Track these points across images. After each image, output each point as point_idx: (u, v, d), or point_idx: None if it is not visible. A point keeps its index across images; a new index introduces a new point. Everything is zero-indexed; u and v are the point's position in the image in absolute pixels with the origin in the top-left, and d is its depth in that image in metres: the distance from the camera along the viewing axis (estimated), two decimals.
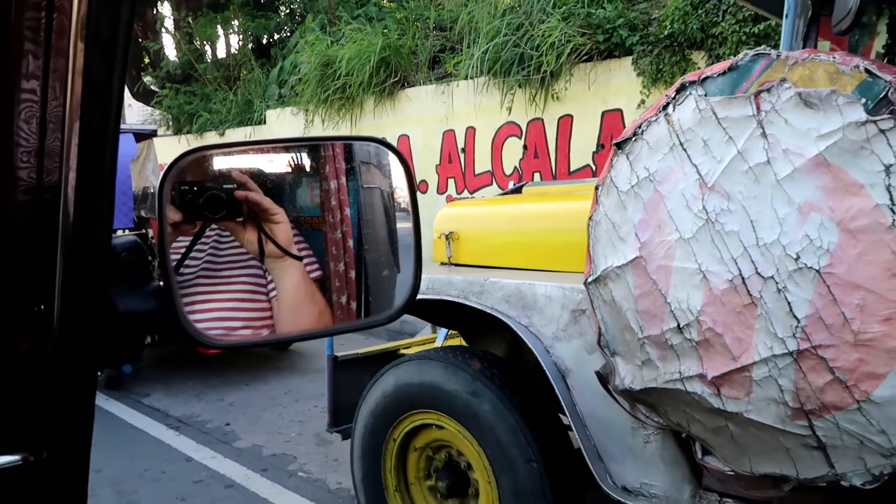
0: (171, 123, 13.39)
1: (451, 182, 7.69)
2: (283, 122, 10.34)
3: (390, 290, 1.04)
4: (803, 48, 1.73)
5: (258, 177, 0.92)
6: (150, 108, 14.75)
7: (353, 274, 1.04)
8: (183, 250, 0.88)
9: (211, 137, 12.09)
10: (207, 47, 13.92)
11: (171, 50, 14.89)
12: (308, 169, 1.06)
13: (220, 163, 0.94)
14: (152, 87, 14.49)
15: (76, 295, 0.61)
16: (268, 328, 1.03)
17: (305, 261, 0.98)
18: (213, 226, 0.92)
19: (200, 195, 0.84)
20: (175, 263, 0.78)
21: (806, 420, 1.47)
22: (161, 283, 0.74)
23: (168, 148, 13.18)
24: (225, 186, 0.87)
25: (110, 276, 0.67)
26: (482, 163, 7.29)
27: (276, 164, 1.03)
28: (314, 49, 9.09)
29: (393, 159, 1.06)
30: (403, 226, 1.05)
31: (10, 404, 0.64)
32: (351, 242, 1.05)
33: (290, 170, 1.04)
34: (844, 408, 1.40)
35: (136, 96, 14.47)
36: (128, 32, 0.56)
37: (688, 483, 1.92)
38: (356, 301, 1.05)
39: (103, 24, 0.54)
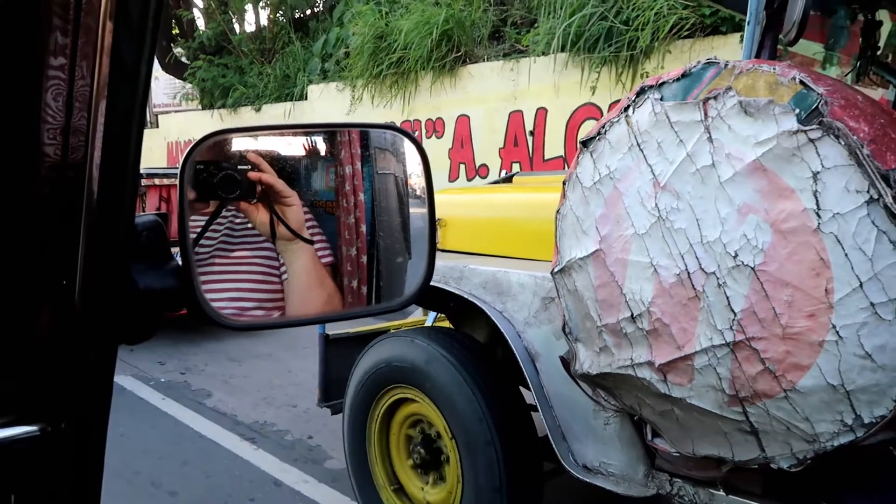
0: (201, 97, 12.89)
1: (515, 167, 7.06)
2: (327, 98, 9.78)
3: (402, 277, 1.06)
4: (757, 57, 1.82)
5: (274, 160, 0.92)
6: (178, 80, 14.17)
7: (365, 259, 1.04)
8: (199, 230, 0.89)
9: (246, 113, 11.55)
10: (236, 21, 13.24)
11: (201, 21, 14.27)
12: (324, 153, 1.06)
13: (238, 145, 0.94)
14: (182, 59, 13.75)
15: (98, 271, 0.62)
16: (279, 310, 1.04)
17: (317, 245, 0.99)
18: (229, 207, 0.93)
19: (215, 175, 0.85)
20: (191, 242, 0.79)
21: (740, 406, 1.58)
22: (180, 261, 0.74)
23: (200, 123, 12.74)
24: (240, 168, 0.87)
25: (132, 253, 0.67)
26: (553, 147, 6.67)
27: (293, 147, 1.05)
28: (366, 21, 8.50)
29: (409, 146, 1.07)
30: (418, 211, 1.07)
31: (30, 376, 0.66)
32: (364, 228, 1.05)
33: (306, 154, 1.04)
34: (773, 396, 1.51)
35: (165, 68, 13.93)
36: (157, 12, 0.56)
37: (642, 463, 2.03)
38: (367, 286, 1.05)
39: (132, 4, 0.54)
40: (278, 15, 12.44)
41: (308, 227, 0.96)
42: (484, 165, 7.42)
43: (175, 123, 13.71)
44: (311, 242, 0.96)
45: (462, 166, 7.86)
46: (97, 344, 0.65)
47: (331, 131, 1.17)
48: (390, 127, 1.09)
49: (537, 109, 6.84)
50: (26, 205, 0.60)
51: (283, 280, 1.00)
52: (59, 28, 0.53)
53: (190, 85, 13.61)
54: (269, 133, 1.07)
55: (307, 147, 1.06)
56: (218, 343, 6.04)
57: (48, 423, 0.65)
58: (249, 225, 0.94)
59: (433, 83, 7.79)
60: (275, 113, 10.97)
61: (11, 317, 0.63)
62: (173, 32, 14.19)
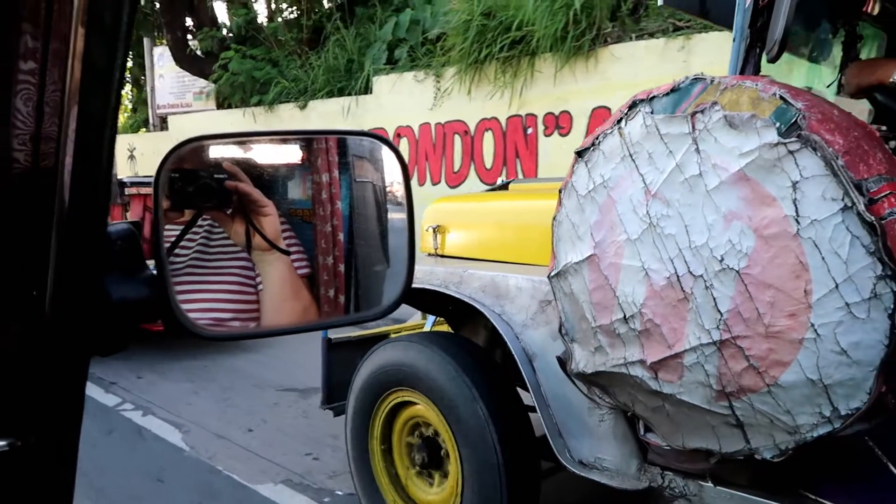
0: (230, 93, 10.87)
1: None
2: (401, 91, 8.41)
3: (380, 286, 1.05)
4: (741, 73, 1.93)
5: (251, 168, 0.90)
6: (190, 77, 12.38)
7: (342, 268, 1.04)
8: (174, 239, 0.88)
9: (287, 111, 9.99)
10: (259, 9, 11.66)
11: (220, 11, 12.69)
12: (301, 161, 1.05)
13: (215, 152, 0.92)
14: (197, 53, 12.06)
15: (69, 281, 0.61)
16: (255, 321, 1.02)
17: (294, 256, 0.98)
18: (205, 216, 0.92)
19: (191, 183, 0.84)
20: (166, 252, 0.77)
21: (727, 401, 1.68)
22: (154, 271, 0.72)
23: (221, 123, 10.90)
24: (216, 176, 0.86)
25: (105, 262, 0.66)
26: None
27: (270, 155, 1.03)
28: None
29: (388, 154, 1.04)
30: (397, 216, 1.05)
31: None
32: (341, 236, 1.04)
33: (282, 162, 1.03)
34: (757, 390, 1.61)
35: (180, 63, 12.15)
36: (131, 17, 0.55)
37: (635, 458, 2.13)
38: (345, 295, 1.04)
39: (105, 9, 0.54)
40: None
41: (284, 238, 0.95)
42: None
43: (188, 125, 12.10)
44: (287, 253, 0.95)
45: None
46: (68, 356, 0.64)
47: (308, 138, 1.15)
48: (368, 134, 1.08)
49: None
50: None
51: (259, 290, 0.99)
52: (30, 32, 0.52)
53: (207, 82, 11.87)
54: (246, 140, 1.06)
55: (284, 155, 1.04)
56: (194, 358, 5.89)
57: (17, 438, 0.63)
58: (225, 235, 0.93)
59: (560, 69, 6.20)
60: (326, 110, 9.41)
61: None
62: (187, 24, 12.45)
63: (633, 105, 1.82)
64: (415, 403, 2.65)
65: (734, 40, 1.96)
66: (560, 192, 2.04)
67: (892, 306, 1.42)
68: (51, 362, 0.63)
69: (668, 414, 1.85)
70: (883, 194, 1.42)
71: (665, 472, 2.06)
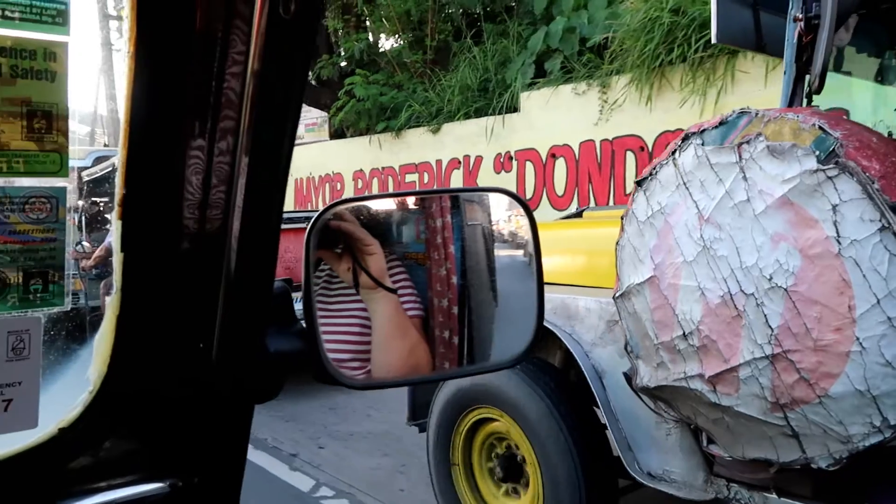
0: (356, 121, 10.17)
1: None
2: (556, 106, 7.49)
3: (491, 329, 1.07)
4: (790, 104, 2.04)
5: (359, 210, 0.95)
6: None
7: (456, 310, 1.04)
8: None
9: (416, 135, 9.29)
10: (381, 32, 10.93)
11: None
12: (413, 205, 1.09)
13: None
14: (311, 83, 11.22)
15: (234, 335, 0.64)
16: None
17: (405, 297, 0.99)
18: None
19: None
20: (316, 307, 0.79)
21: (782, 412, 1.79)
22: (304, 324, 0.76)
23: (342, 153, 10.49)
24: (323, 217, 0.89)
25: (264, 318, 0.69)
26: None
27: (382, 201, 1.10)
28: None
29: (517, 207, 1.08)
30: (508, 254, 1.09)
31: (163, 434, 0.68)
32: (455, 279, 1.05)
33: (395, 206, 1.07)
34: (809, 402, 1.71)
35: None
36: (299, 97, 0.59)
37: (702, 470, 2.23)
38: (458, 336, 1.04)
39: (275, 90, 0.57)
40: (445, 17, 10.19)
41: (395, 278, 0.96)
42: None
43: (304, 157, 11.37)
44: (393, 291, 0.96)
45: None
46: (233, 403, 0.68)
47: (454, 195, 1.18)
48: (502, 191, 1.10)
49: None
50: (168, 273, 0.63)
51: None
52: (200, 111, 0.58)
53: (320, 112, 11.34)
54: (384, 199, 1.14)
55: (397, 200, 1.10)
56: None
57: (179, 479, 0.67)
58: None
59: (773, 67, 5.15)
60: (464, 132, 8.60)
61: (149, 376, 0.65)
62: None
63: (685, 137, 1.97)
64: (495, 420, 2.83)
65: (784, 73, 2.08)
66: (622, 218, 2.20)
67: None
68: (215, 409, 0.67)
69: (728, 426, 1.95)
70: None
71: (731, 483, 2.15)
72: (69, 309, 0.60)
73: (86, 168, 5.66)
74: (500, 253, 1.10)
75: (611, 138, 7.09)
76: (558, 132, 7.57)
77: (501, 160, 8.26)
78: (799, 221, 1.68)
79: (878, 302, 1.56)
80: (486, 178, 8.39)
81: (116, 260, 0.62)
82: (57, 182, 0.57)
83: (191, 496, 0.68)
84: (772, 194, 1.72)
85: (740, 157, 1.80)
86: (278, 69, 0.56)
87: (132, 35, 0.54)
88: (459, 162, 8.74)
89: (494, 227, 1.10)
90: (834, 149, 1.61)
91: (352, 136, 10.70)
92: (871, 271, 1.56)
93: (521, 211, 1.05)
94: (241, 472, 0.72)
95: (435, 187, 8.31)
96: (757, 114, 1.79)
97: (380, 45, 10.95)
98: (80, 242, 4.88)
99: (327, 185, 11.14)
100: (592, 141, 7.28)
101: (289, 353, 0.72)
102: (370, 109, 9.70)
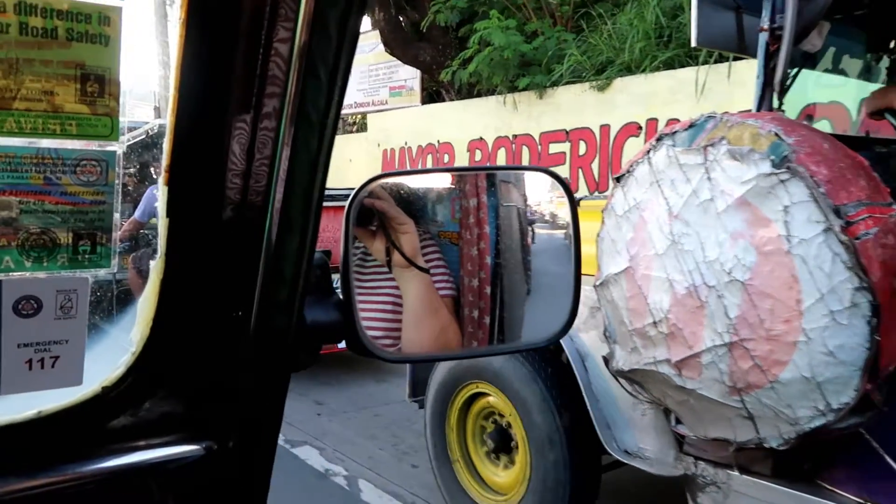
0: (490, 76, 7.64)
1: None
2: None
3: (522, 311, 1.06)
4: (758, 108, 2.16)
5: (394, 188, 0.93)
6: (382, 69, 9.89)
7: (488, 290, 1.03)
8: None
9: (571, 94, 7.08)
10: None
11: None
12: (449, 185, 1.07)
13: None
14: (407, 34, 9.17)
15: (273, 305, 0.65)
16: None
17: (437, 277, 0.99)
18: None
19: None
20: (354, 279, 0.79)
21: (738, 396, 1.93)
22: (342, 296, 0.75)
23: (465, 118, 8.18)
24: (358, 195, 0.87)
25: (306, 290, 0.68)
26: None
27: (418, 179, 1.08)
28: None
29: (558, 188, 1.05)
30: (546, 233, 1.06)
31: (201, 398, 0.69)
32: (488, 260, 1.04)
33: (431, 185, 1.06)
34: (762, 387, 1.86)
35: (391, 47, 9.11)
36: (346, 72, 0.57)
37: (672, 448, 2.39)
38: (489, 317, 1.04)
39: (322, 64, 0.56)
40: None
41: (428, 258, 0.96)
42: None
43: (392, 125, 9.61)
44: (426, 270, 0.96)
45: None
46: (270, 371, 0.68)
47: (490, 172, 1.17)
48: (542, 170, 1.10)
49: None
50: (210, 241, 0.63)
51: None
52: (247, 80, 0.58)
53: (413, 70, 9.27)
54: (427, 174, 1.09)
55: (435, 179, 1.08)
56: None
57: (216, 442, 0.68)
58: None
59: None
60: (647, 90, 6.37)
61: (190, 341, 0.66)
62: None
63: (660, 138, 2.10)
64: (488, 394, 3.00)
65: (757, 78, 2.20)
66: (602, 212, 2.34)
67: (869, 314, 1.64)
68: (252, 375, 0.67)
69: (692, 407, 2.11)
70: (861, 217, 1.65)
71: (698, 461, 2.30)
72: (115, 271, 0.61)
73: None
74: (539, 232, 1.09)
75: None
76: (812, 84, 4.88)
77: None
78: (755, 220, 1.81)
79: (822, 297, 1.69)
80: None
81: (161, 224, 0.62)
82: (108, 146, 0.57)
83: (226, 459, 0.69)
84: (732, 194, 1.86)
85: (706, 158, 1.93)
86: (325, 39, 0.56)
87: (184, 2, 0.55)
88: (639, 127, 6.48)
89: (534, 208, 1.09)
90: (787, 154, 1.74)
91: (435, 101, 8.72)
92: (816, 268, 1.69)
93: (563, 192, 1.03)
94: (276, 439, 0.73)
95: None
96: (722, 118, 1.92)
97: None
98: None
99: (430, 156, 8.91)
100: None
101: (325, 324, 0.73)
102: (508, 60, 7.33)
